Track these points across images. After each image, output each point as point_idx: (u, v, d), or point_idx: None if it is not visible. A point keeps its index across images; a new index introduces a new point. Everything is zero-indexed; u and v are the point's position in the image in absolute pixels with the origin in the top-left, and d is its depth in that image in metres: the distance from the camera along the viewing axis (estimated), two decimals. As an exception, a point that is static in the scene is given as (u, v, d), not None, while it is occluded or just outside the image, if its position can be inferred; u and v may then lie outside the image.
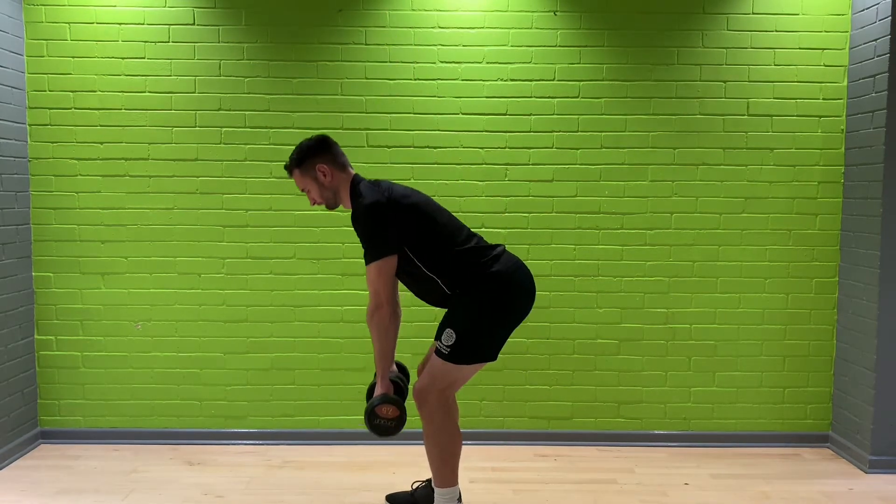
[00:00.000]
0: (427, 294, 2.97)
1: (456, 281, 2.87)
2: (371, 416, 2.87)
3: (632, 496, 3.37)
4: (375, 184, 2.91)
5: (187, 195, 3.87)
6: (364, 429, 3.96)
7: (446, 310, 2.94)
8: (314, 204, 2.98)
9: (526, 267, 2.95)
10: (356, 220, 2.86)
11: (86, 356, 3.92)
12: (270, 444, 3.92)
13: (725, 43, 3.84)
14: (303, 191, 2.98)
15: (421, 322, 3.78)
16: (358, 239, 2.89)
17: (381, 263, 2.80)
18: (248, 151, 3.86)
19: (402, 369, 3.21)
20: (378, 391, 2.90)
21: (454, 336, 2.81)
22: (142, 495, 3.33)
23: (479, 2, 3.82)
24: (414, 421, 3.04)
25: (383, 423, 2.86)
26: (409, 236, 2.83)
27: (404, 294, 3.12)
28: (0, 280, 3.63)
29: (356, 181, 2.92)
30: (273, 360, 3.94)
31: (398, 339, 3.23)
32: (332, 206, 2.97)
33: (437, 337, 2.88)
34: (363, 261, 2.83)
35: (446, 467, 2.91)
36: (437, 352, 2.86)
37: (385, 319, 2.85)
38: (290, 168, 2.94)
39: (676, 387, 3.97)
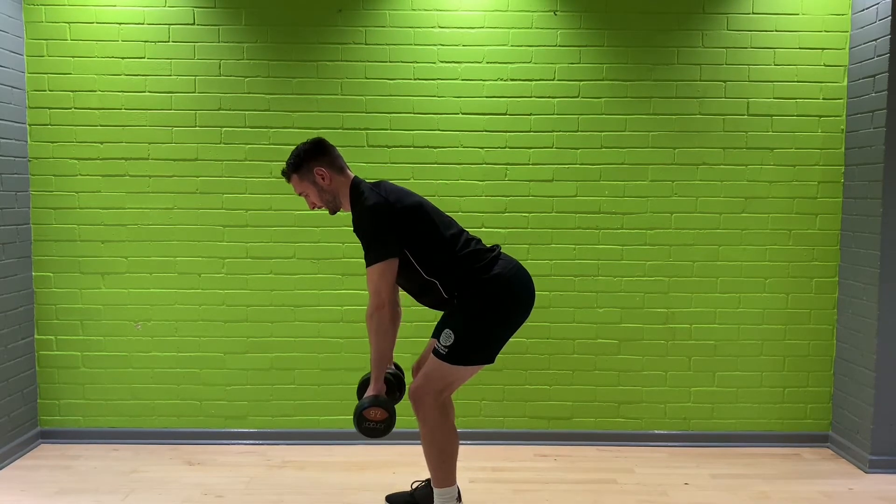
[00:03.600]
0: (425, 297, 2.95)
1: (455, 285, 2.86)
2: (360, 419, 2.83)
3: (632, 496, 3.37)
4: (376, 185, 2.89)
5: (187, 195, 3.87)
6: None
7: (445, 310, 2.93)
8: (313, 208, 2.96)
9: (525, 269, 2.93)
10: (358, 222, 2.84)
11: (86, 356, 3.92)
12: (270, 444, 3.92)
13: (725, 43, 3.83)
14: (300, 195, 2.96)
15: (420, 322, 3.77)
16: (358, 239, 2.88)
17: (383, 265, 2.76)
18: (248, 151, 3.86)
19: (398, 369, 3.19)
20: (370, 392, 2.86)
21: (453, 337, 2.79)
22: (142, 495, 3.33)
23: (479, 2, 3.82)
24: (413, 421, 3.04)
25: (371, 425, 2.82)
26: (411, 239, 2.81)
27: (404, 294, 3.11)
28: (0, 280, 3.63)
29: (356, 183, 2.90)
30: (273, 360, 3.95)
31: (397, 339, 3.21)
32: (333, 210, 2.95)
33: (436, 335, 2.88)
34: (363, 261, 2.82)
35: (444, 467, 2.89)
36: (435, 352, 2.84)
37: (385, 320, 2.80)
38: (287, 173, 2.92)
39: (676, 387, 3.97)
